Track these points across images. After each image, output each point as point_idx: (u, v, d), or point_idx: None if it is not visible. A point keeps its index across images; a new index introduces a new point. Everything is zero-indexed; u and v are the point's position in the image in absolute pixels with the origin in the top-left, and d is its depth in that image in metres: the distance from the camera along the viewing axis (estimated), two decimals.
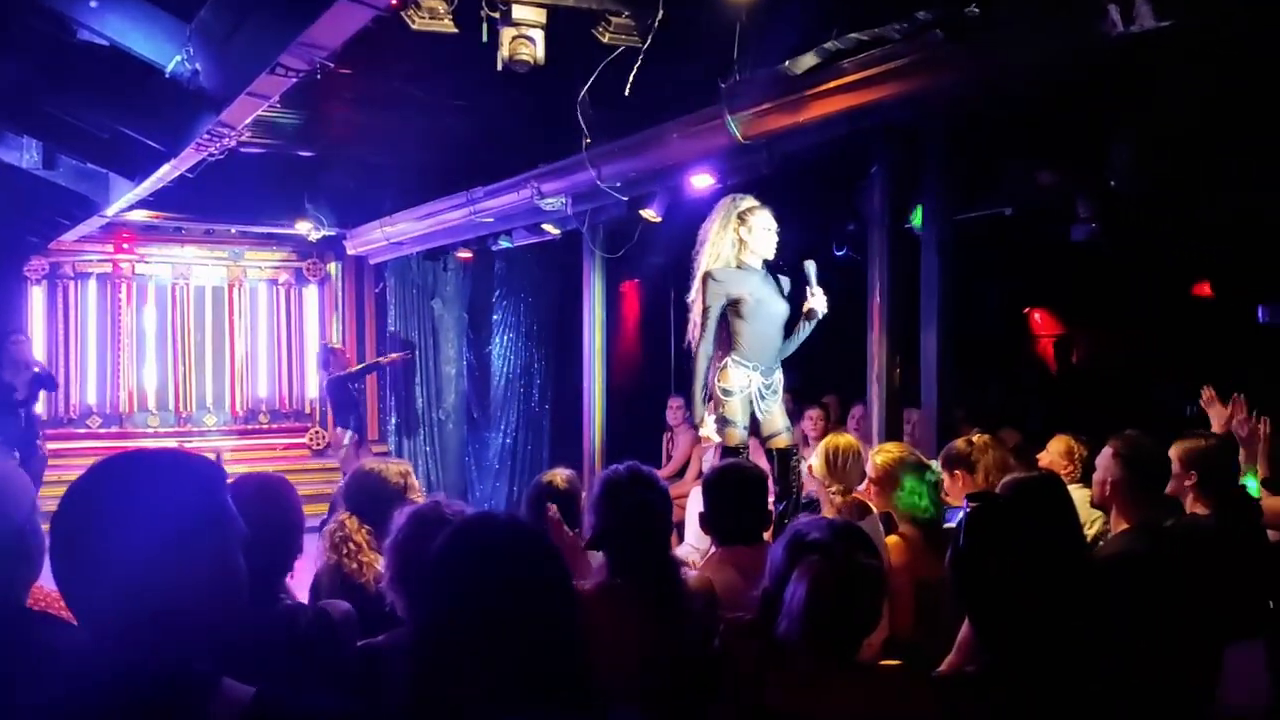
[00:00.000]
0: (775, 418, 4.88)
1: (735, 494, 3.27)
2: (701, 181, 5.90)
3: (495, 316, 11.00)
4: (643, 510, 2.76)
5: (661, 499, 2.82)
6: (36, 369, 9.07)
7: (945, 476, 3.85)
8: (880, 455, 3.70)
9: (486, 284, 10.89)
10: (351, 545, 3.19)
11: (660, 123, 5.50)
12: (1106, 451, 3.46)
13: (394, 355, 10.37)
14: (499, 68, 4.21)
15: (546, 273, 10.53)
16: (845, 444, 4.04)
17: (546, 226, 7.87)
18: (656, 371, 9.64)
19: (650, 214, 6.64)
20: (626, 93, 4.70)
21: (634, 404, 9.18)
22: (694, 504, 7.25)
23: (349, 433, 9.79)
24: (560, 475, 3.53)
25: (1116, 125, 5.09)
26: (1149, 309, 8.15)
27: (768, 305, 4.87)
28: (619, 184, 6.17)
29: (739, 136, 4.90)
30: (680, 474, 8.46)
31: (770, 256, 4.96)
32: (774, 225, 4.92)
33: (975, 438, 4.04)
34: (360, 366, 10.23)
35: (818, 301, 4.90)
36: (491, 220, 7.91)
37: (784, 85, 4.56)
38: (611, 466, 2.86)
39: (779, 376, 4.93)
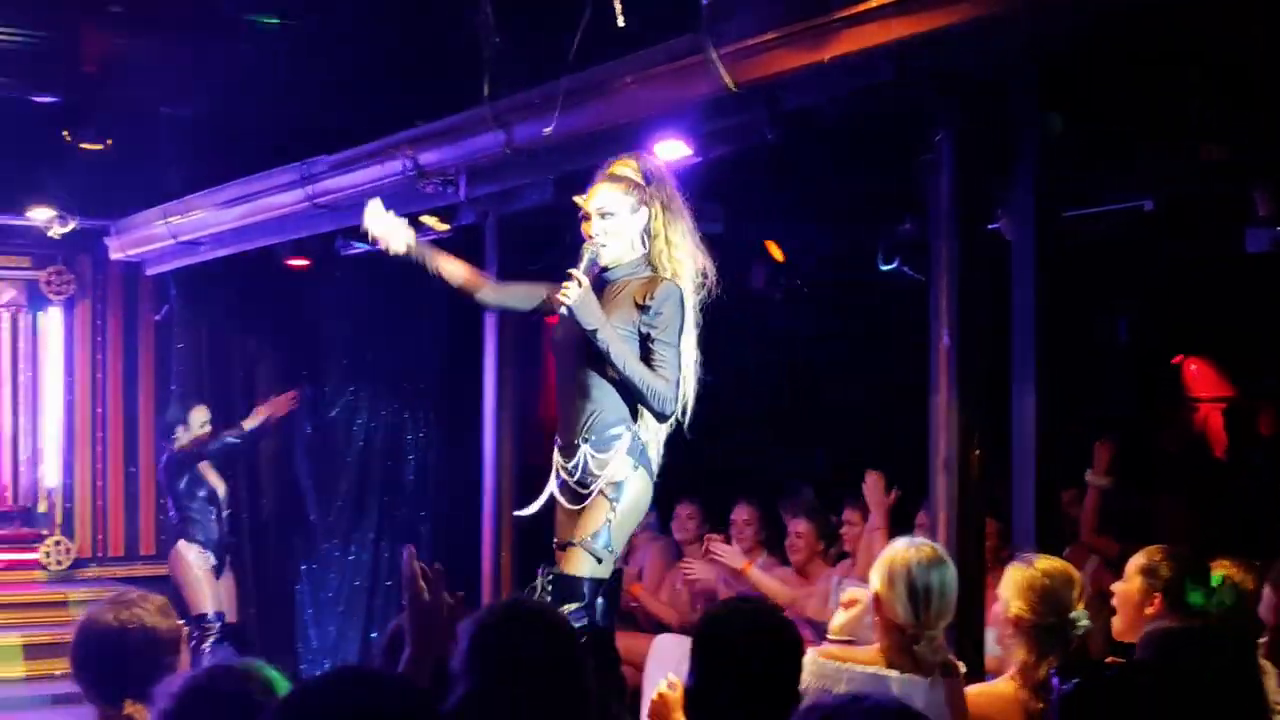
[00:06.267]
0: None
1: (747, 660, 3.34)
2: (670, 151, 5.87)
3: (345, 361, 10.92)
4: (537, 671, 2.84)
5: (571, 654, 2.93)
6: None
7: None
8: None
9: (332, 309, 10.82)
10: None
11: (606, 61, 5.52)
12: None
13: (282, 398, 10.21)
14: None
15: (427, 292, 10.48)
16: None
17: (428, 220, 7.83)
18: None
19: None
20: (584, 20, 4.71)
21: None
22: (657, 663, 7.30)
23: (196, 548, 9.62)
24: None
25: None
26: None
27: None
28: (540, 154, 6.18)
29: (728, 82, 4.93)
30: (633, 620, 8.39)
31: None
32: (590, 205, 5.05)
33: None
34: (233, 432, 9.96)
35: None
36: (339, 208, 7.88)
37: (799, 4, 4.58)
38: (488, 604, 2.94)
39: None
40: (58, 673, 8.95)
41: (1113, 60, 5.30)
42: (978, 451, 5.33)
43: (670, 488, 8.53)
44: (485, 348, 8.00)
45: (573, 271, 4.85)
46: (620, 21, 5.08)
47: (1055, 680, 2.35)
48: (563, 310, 4.83)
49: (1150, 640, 2.58)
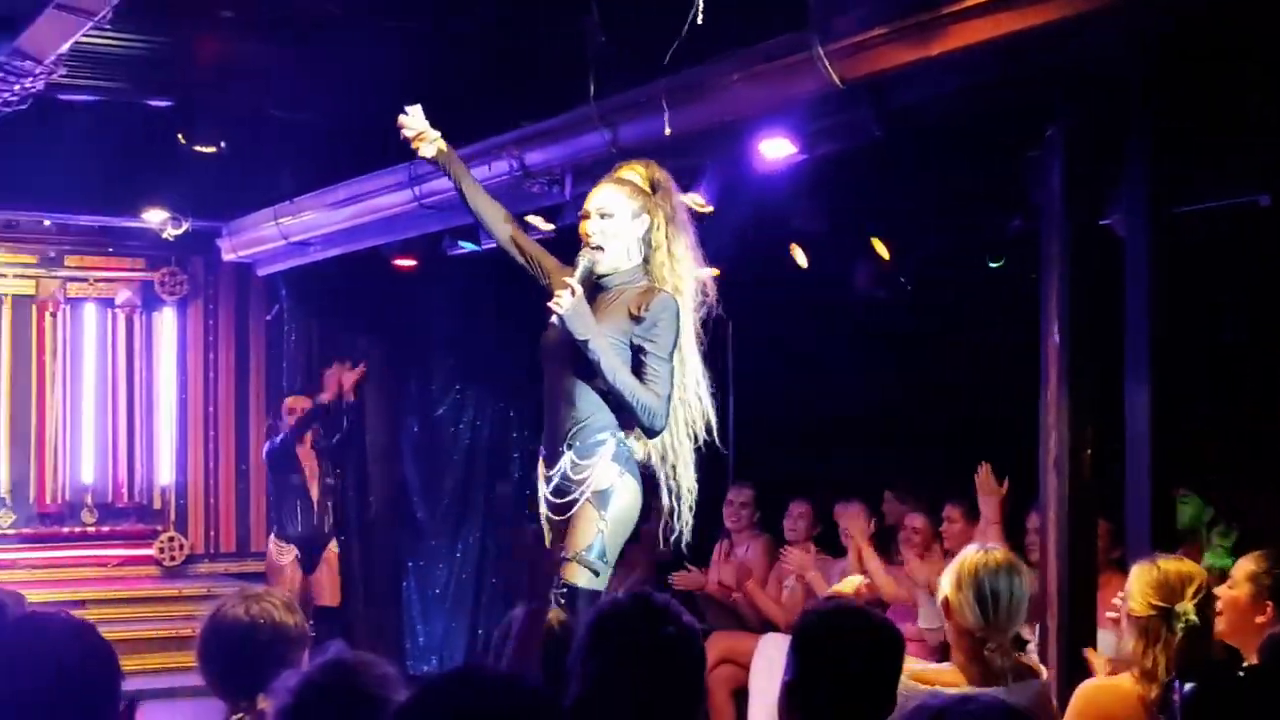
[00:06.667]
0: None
1: (847, 658, 3.30)
2: (776, 149, 5.91)
3: (450, 360, 10.98)
4: (657, 660, 2.80)
5: (689, 645, 2.88)
6: None
7: None
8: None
9: (440, 310, 10.89)
10: None
11: (712, 59, 5.52)
12: None
13: (352, 372, 10.33)
14: None
15: (520, 291, 10.51)
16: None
17: (534, 219, 7.86)
18: (705, 445, 9.56)
19: (696, 200, 6.62)
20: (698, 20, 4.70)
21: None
22: (766, 662, 7.28)
23: (276, 539, 9.82)
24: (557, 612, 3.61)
25: None
26: None
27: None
28: (645, 153, 6.15)
29: (835, 79, 4.92)
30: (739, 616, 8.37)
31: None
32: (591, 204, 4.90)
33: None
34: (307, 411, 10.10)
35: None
36: (446, 208, 7.92)
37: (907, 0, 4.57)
38: (609, 596, 2.91)
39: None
40: (172, 666, 9.09)
41: (1227, 52, 5.22)
42: (1089, 451, 5.28)
43: (778, 487, 8.59)
44: None
45: (568, 280, 4.68)
46: (699, 19, 4.98)
47: (1176, 683, 2.30)
48: (554, 319, 4.64)
49: (1271, 646, 2.54)
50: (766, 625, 7.93)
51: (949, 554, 7.24)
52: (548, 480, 4.77)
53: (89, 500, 10.94)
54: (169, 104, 8.04)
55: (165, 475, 11.08)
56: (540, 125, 6.74)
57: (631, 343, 4.68)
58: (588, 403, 4.72)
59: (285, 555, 9.92)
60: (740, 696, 7.72)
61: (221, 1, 6.20)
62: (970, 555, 4.19)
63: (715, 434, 4.99)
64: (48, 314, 10.88)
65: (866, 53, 4.78)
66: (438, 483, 11.03)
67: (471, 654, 10.42)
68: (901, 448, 8.69)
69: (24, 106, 5.59)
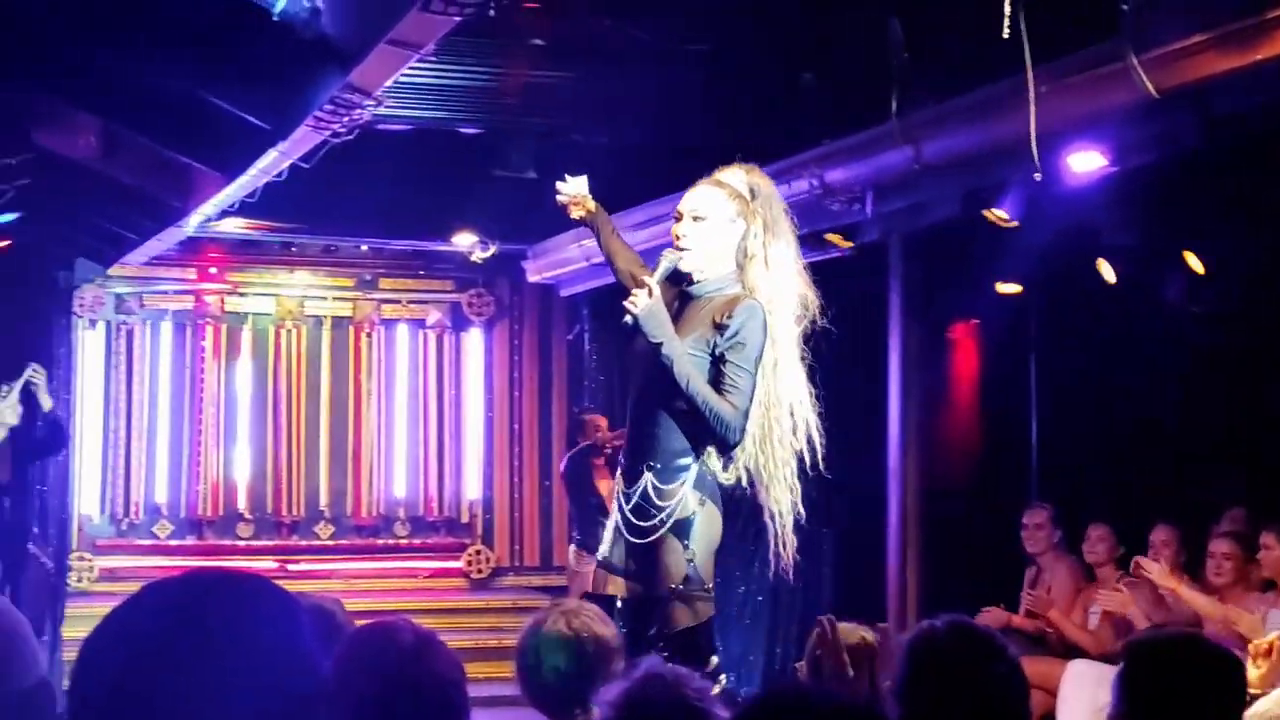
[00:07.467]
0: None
1: (1182, 690, 3.16)
2: (1085, 162, 5.81)
3: None
4: (978, 694, 2.74)
5: (1012, 677, 2.81)
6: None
7: None
8: None
9: None
10: None
11: (1018, 72, 5.42)
12: None
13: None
14: None
15: (819, 309, 10.46)
16: None
17: (832, 237, 7.82)
18: (1005, 464, 9.39)
19: (999, 215, 6.54)
20: (1004, 31, 4.63)
21: (969, 519, 8.96)
22: (1074, 688, 7.07)
23: (575, 550, 10.03)
24: (860, 632, 3.54)
25: None
26: None
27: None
28: (949, 168, 6.16)
29: (1150, 89, 4.81)
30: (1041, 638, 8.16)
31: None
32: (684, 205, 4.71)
33: None
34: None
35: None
36: None
37: (1227, 6, 4.46)
38: (925, 622, 2.87)
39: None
40: (480, 677, 9.30)
41: None
42: None
43: (1075, 508, 8.33)
44: (889, 360, 7.93)
45: (646, 279, 4.50)
46: (1006, 32, 4.89)
47: None
48: (627, 319, 4.42)
49: None
50: (1072, 650, 7.70)
51: (1271, 584, 6.91)
52: (626, 497, 4.57)
53: (401, 514, 11.36)
54: (479, 131, 8.25)
55: (473, 490, 11.42)
56: (841, 142, 6.73)
57: (713, 352, 4.46)
58: (670, 422, 4.51)
59: (586, 564, 10.05)
60: None
61: (532, 31, 6.32)
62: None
63: (820, 457, 4.79)
64: (363, 334, 11.34)
65: (1185, 61, 4.68)
66: (731, 500, 11.03)
67: (770, 674, 10.38)
68: (1209, 466, 8.34)
69: (350, 137, 5.81)
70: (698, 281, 4.62)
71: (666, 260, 4.59)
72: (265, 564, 10.59)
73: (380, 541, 11.30)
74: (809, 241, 8.10)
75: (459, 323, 11.51)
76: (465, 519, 11.47)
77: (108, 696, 1.46)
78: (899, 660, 2.88)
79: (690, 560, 4.47)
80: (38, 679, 2.02)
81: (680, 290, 4.67)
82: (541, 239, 10.04)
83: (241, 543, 11.05)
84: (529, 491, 11.43)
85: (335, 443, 11.26)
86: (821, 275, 9.13)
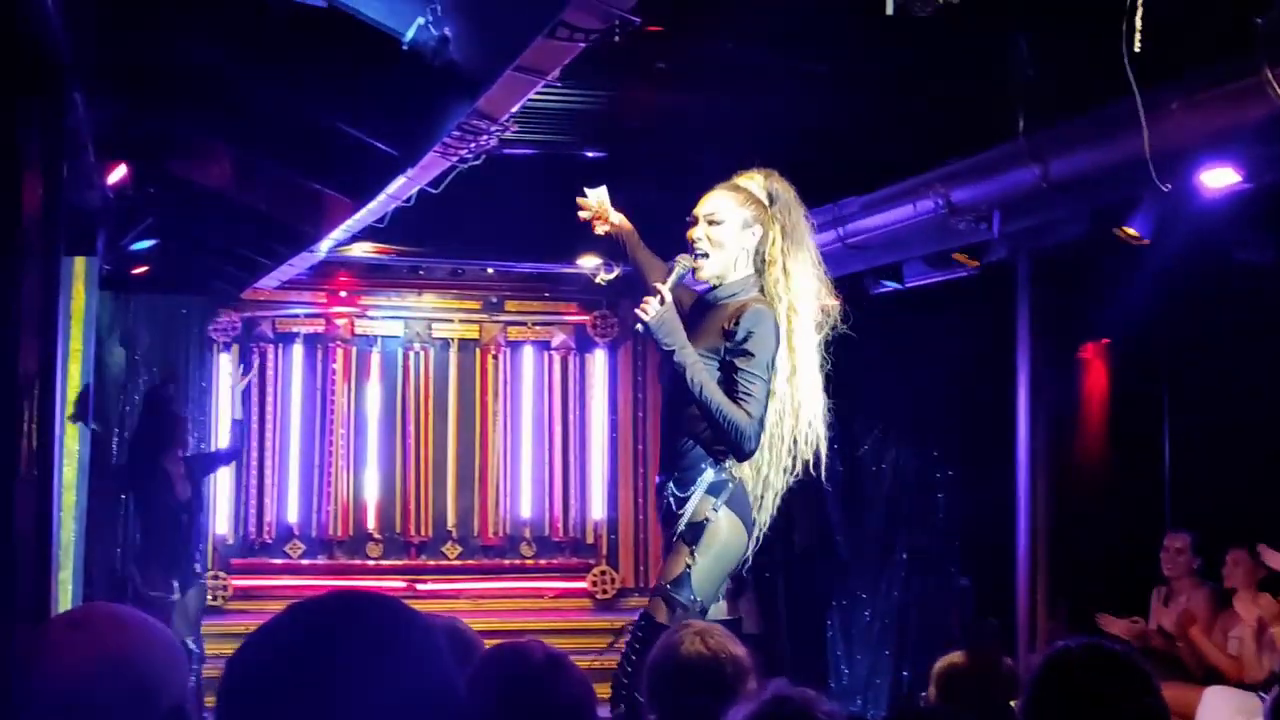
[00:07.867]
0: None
1: None
2: (1218, 179, 5.74)
3: (873, 400, 10.92)
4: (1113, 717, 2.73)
5: (1153, 706, 2.77)
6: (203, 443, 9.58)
7: None
8: None
9: (860, 348, 10.83)
10: None
11: (1149, 88, 5.35)
12: None
13: None
14: (888, 10, 4.23)
15: (946, 329, 10.37)
16: None
17: (959, 256, 7.78)
18: (1138, 488, 9.24)
19: (1131, 233, 6.46)
20: (1135, 46, 4.58)
21: (1103, 541, 8.84)
22: (1211, 714, 6.92)
23: None
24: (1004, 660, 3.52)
25: None
26: None
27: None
28: (1078, 187, 6.08)
29: None
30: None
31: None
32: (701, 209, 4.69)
33: None
34: None
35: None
36: (870, 248, 7.91)
37: None
38: (1060, 643, 2.83)
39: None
40: (606, 697, 9.31)
41: None
42: None
43: (1209, 533, 8.16)
44: (1018, 381, 7.86)
45: (659, 286, 4.47)
46: (1136, 47, 4.82)
47: None
48: (638, 327, 4.42)
49: None
50: (1209, 676, 7.55)
51: None
52: (660, 499, 4.65)
53: (527, 534, 11.44)
54: (601, 155, 8.31)
55: (597, 511, 11.47)
56: (967, 162, 6.69)
57: (723, 359, 4.45)
58: (688, 428, 4.53)
59: None
60: None
61: (654, 54, 6.36)
62: None
63: (823, 468, 4.81)
64: (489, 356, 11.45)
65: None
66: (859, 523, 10.97)
67: (896, 698, 10.32)
68: None
69: (475, 163, 5.87)
70: (716, 287, 4.63)
71: (681, 266, 4.59)
72: (394, 584, 10.75)
73: (506, 562, 11.38)
74: (935, 261, 8.08)
75: (583, 344, 11.59)
76: (590, 540, 11.52)
77: (255, 714, 1.49)
78: (1029, 679, 2.85)
79: (689, 566, 4.47)
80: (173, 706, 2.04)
81: (699, 297, 4.71)
82: (664, 260, 10.05)
83: (371, 562, 11.20)
84: (653, 512, 11.40)
85: (462, 464, 11.39)
86: (948, 295, 9.16)
